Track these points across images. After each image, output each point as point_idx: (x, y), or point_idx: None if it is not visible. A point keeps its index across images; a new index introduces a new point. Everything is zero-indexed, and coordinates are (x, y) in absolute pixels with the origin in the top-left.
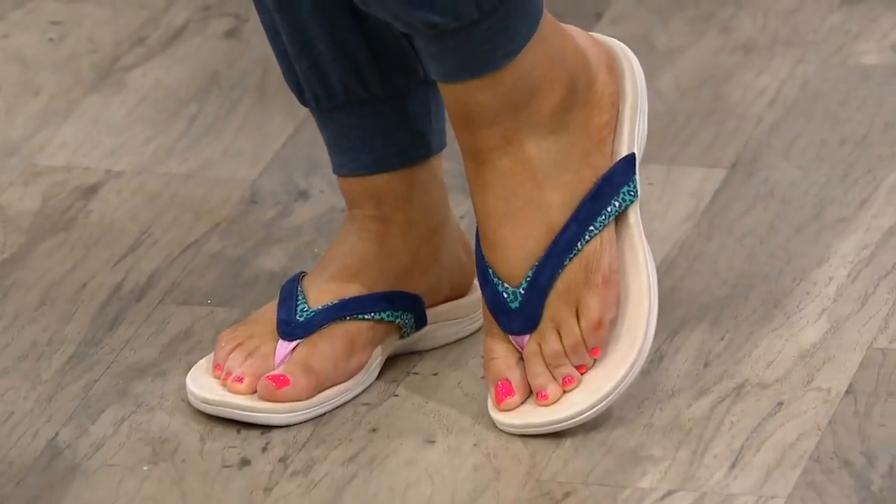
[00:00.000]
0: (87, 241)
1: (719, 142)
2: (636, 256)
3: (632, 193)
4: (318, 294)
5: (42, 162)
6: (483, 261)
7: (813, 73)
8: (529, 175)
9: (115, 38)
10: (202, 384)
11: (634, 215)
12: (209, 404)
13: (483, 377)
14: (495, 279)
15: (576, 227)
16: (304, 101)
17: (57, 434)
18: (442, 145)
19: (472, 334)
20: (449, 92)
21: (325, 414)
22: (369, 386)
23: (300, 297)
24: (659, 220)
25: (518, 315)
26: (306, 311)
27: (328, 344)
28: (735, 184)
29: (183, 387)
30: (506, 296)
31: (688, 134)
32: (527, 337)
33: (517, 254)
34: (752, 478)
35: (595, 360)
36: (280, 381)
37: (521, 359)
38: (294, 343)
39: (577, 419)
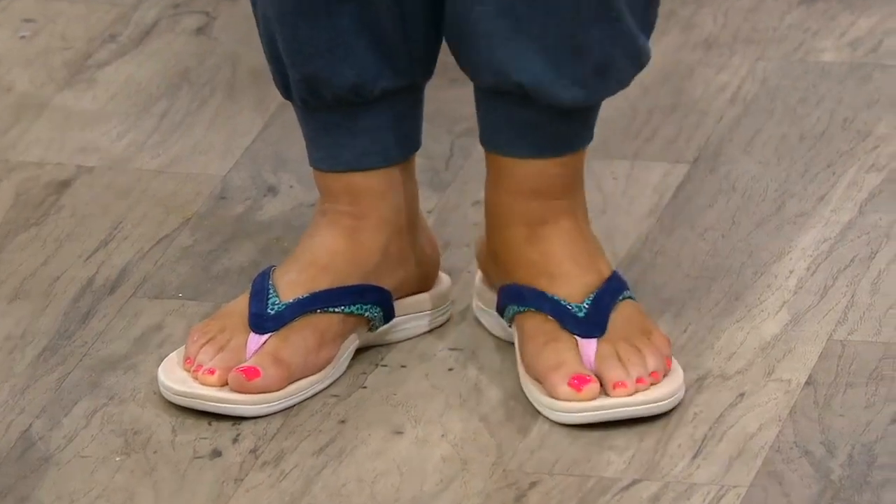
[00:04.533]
0: (59, 235)
1: (681, 137)
2: None
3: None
4: (289, 287)
5: (15, 157)
6: (532, 290)
7: (773, 70)
8: (584, 237)
9: (87, 35)
10: (174, 377)
11: None
12: (181, 396)
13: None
14: (555, 297)
15: (617, 283)
16: (289, 99)
17: (30, 426)
18: (419, 146)
19: (439, 327)
20: (523, 166)
21: (295, 405)
22: (338, 378)
23: (271, 291)
24: (623, 215)
25: (585, 321)
26: (277, 304)
27: (299, 336)
28: (697, 179)
29: (154, 379)
30: (570, 308)
31: (650, 130)
32: (594, 344)
33: (580, 281)
34: (715, 467)
35: (668, 371)
36: (251, 372)
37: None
38: (265, 336)
39: (650, 406)
